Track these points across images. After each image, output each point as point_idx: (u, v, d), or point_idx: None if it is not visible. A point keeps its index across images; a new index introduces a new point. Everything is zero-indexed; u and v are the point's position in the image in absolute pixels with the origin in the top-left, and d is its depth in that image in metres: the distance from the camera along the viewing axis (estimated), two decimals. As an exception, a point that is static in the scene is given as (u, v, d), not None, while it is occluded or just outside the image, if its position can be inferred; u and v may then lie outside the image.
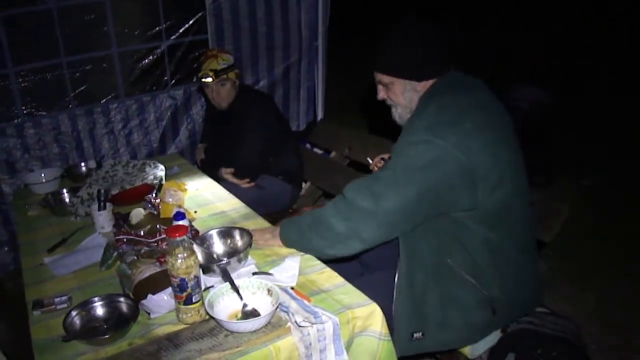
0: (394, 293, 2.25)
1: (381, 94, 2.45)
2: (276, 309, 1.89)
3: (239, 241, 2.42)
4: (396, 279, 2.25)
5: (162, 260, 2.21)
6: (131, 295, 2.08)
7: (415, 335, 2.23)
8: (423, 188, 2.05)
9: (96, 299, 2.07)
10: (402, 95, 2.36)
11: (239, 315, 1.94)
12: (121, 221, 2.64)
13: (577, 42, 9.74)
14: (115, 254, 2.37)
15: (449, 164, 2.05)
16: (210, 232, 2.46)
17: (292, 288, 2.10)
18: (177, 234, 1.86)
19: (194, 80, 4.43)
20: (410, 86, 2.33)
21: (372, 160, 2.97)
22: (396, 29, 2.33)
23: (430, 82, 2.32)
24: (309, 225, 2.28)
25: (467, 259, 2.19)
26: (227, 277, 2.04)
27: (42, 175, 3.50)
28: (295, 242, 2.37)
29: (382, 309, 2.02)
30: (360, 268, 2.66)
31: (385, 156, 2.86)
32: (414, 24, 2.31)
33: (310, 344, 1.85)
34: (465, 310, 2.24)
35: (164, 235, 2.33)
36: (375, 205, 2.07)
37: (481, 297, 2.22)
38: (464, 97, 2.22)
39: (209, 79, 3.62)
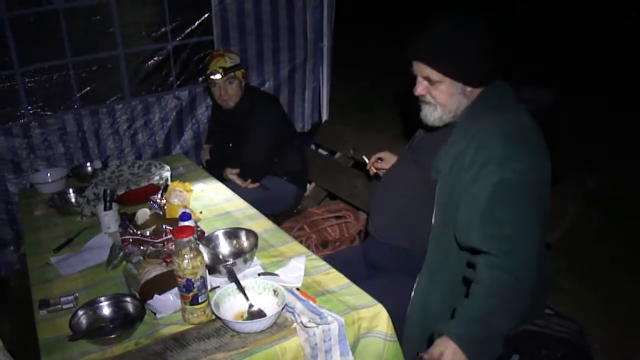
0: (408, 308, 2.24)
1: (421, 89, 2.21)
2: (282, 309, 1.90)
3: (244, 242, 2.43)
4: (412, 295, 2.24)
5: (168, 260, 2.22)
6: (137, 295, 2.09)
7: (420, 354, 2.22)
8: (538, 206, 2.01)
9: (102, 298, 2.08)
10: (449, 97, 2.17)
11: (245, 315, 1.95)
12: (127, 221, 2.65)
13: (574, 41, 9.72)
14: (122, 254, 2.37)
15: (531, 194, 2.00)
16: (216, 233, 2.47)
17: (298, 289, 2.11)
18: (183, 235, 1.87)
19: (200, 81, 4.44)
20: (460, 89, 2.16)
21: (369, 159, 2.88)
22: (451, 18, 2.14)
23: (479, 90, 2.19)
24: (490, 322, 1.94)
25: None
26: (233, 277, 2.05)
27: (48, 175, 3.51)
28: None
29: (388, 312, 2.02)
30: (367, 270, 2.64)
31: (381, 155, 2.81)
32: (477, 18, 2.12)
33: (316, 344, 1.86)
34: None
35: (169, 236, 2.34)
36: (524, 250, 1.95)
37: None
38: (521, 112, 2.14)
39: (218, 76, 3.64)
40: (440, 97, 2.18)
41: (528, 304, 1.96)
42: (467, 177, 2.04)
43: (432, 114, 2.24)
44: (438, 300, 2.20)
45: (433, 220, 2.20)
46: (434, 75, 2.13)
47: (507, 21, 7.50)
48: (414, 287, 2.24)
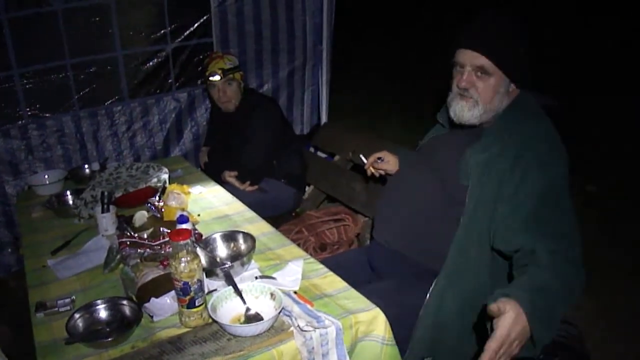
0: (421, 310, 2.22)
1: (468, 80, 2.16)
2: (279, 313, 1.89)
3: (242, 245, 2.42)
4: (427, 297, 2.22)
5: (165, 263, 2.21)
6: (134, 298, 2.09)
7: (425, 359, 2.21)
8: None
9: (99, 301, 2.07)
10: (494, 93, 2.15)
11: (242, 319, 1.94)
12: (125, 224, 2.64)
13: (569, 44, 9.74)
14: (119, 256, 2.36)
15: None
16: (214, 236, 2.46)
17: (295, 292, 2.10)
18: (180, 238, 1.86)
19: (199, 83, 4.43)
20: (506, 87, 2.16)
21: (367, 159, 2.82)
22: (512, 15, 2.14)
23: (516, 93, 2.20)
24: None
25: None
26: (230, 281, 2.04)
27: (46, 177, 3.51)
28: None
29: (387, 317, 2.01)
30: (367, 275, 2.61)
31: (381, 154, 2.75)
32: (525, 21, 2.13)
33: (313, 348, 1.85)
34: (481, 341, 2.23)
35: (167, 239, 2.33)
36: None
37: None
38: (548, 119, 2.15)
39: (217, 77, 3.64)
40: (485, 93, 2.15)
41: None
42: (507, 184, 2.03)
43: (470, 110, 2.20)
44: (453, 302, 2.18)
45: (459, 225, 2.16)
46: (489, 66, 2.11)
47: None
48: (430, 288, 2.21)
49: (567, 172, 2.04)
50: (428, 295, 2.21)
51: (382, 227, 2.52)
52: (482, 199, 2.10)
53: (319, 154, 4.67)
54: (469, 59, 2.14)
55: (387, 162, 2.74)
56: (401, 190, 2.48)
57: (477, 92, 2.16)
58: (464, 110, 2.20)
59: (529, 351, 1.68)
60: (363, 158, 2.85)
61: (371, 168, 2.79)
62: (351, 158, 3.91)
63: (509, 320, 1.60)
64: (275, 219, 3.72)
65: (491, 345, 1.59)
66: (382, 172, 2.77)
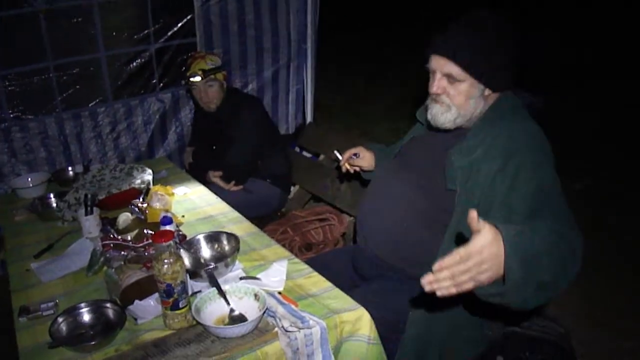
0: (410, 314, 2.21)
1: (438, 86, 2.12)
2: (263, 314, 1.89)
3: (226, 246, 2.42)
4: (411, 312, 2.21)
5: (149, 265, 2.20)
6: (118, 301, 2.07)
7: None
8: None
9: (82, 305, 2.06)
10: (467, 99, 2.10)
11: (226, 320, 1.94)
12: (108, 226, 2.63)
13: (561, 41, 9.77)
14: (102, 259, 2.35)
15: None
16: (198, 237, 2.46)
17: (280, 293, 2.10)
18: (163, 240, 1.85)
19: (183, 83, 4.42)
20: (480, 92, 2.10)
21: (342, 155, 2.76)
22: (482, 18, 2.06)
23: (497, 95, 2.15)
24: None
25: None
26: (214, 282, 2.04)
27: (29, 179, 3.48)
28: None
29: (373, 317, 2.01)
30: (352, 275, 2.60)
31: (356, 150, 2.72)
32: (502, 20, 2.05)
33: (298, 349, 1.85)
34: (465, 346, 2.23)
35: (151, 240, 2.32)
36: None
37: (482, 336, 2.22)
38: (532, 120, 2.11)
39: (198, 78, 3.62)
40: (458, 98, 2.10)
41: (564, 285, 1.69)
42: (499, 188, 1.99)
43: (444, 115, 2.15)
44: (442, 308, 2.16)
45: (447, 232, 2.14)
46: (457, 72, 2.06)
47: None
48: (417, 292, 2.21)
49: (553, 171, 2.00)
50: (416, 296, 2.21)
51: (364, 234, 2.49)
52: (469, 204, 2.04)
53: (304, 153, 4.67)
54: (439, 65, 2.10)
55: (363, 159, 2.71)
56: (383, 196, 2.44)
57: (449, 98, 2.12)
58: (438, 114, 2.16)
59: (497, 287, 1.53)
60: (338, 154, 2.80)
61: (346, 165, 2.75)
62: (335, 158, 3.89)
63: (486, 239, 1.46)
64: (261, 219, 3.73)
65: (460, 251, 1.46)
66: (357, 169, 2.75)
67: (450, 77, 2.08)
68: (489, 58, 2.02)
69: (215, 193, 3.22)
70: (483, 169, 2.03)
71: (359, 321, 1.99)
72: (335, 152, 2.82)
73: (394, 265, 2.36)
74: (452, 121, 2.15)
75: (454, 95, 2.10)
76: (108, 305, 2.07)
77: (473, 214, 1.47)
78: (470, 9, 2.11)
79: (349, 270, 2.61)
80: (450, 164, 2.13)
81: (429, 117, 2.23)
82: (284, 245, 2.76)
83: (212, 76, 3.67)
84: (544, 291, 1.60)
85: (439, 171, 2.17)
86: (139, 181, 3.08)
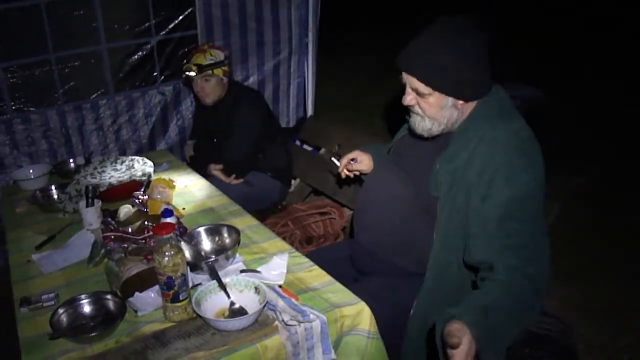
0: (412, 312, 2.22)
1: (409, 100, 2.12)
2: (263, 307, 1.90)
3: (227, 238, 2.43)
4: (411, 312, 2.22)
5: (150, 257, 2.20)
6: (118, 293, 2.08)
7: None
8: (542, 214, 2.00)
9: (83, 296, 2.07)
10: (439, 110, 2.08)
11: (226, 313, 1.95)
12: (109, 218, 2.63)
13: (559, 37, 9.74)
14: (103, 251, 2.36)
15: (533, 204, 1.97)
16: (198, 230, 2.46)
17: (280, 286, 2.11)
18: (164, 232, 1.86)
19: (183, 76, 4.41)
20: (452, 102, 2.06)
21: (339, 160, 2.74)
22: (442, 30, 2.01)
23: (474, 102, 2.11)
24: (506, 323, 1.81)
25: None
26: (214, 275, 2.04)
27: (31, 171, 3.47)
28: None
29: (374, 312, 2.01)
30: (352, 269, 2.59)
31: (353, 155, 2.69)
32: (464, 29, 1.99)
33: (298, 342, 1.86)
34: None
35: (151, 233, 2.32)
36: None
37: None
38: (520, 120, 2.08)
39: (192, 73, 3.62)
40: (430, 110, 2.09)
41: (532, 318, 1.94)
42: (474, 195, 1.99)
43: (420, 125, 2.15)
44: (438, 310, 2.15)
45: (434, 238, 2.14)
46: (423, 88, 2.04)
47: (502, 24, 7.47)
48: (413, 306, 2.21)
49: (539, 176, 1.99)
50: (412, 311, 2.22)
51: (359, 228, 2.49)
52: (454, 211, 2.07)
53: (305, 146, 4.67)
54: (407, 80, 2.09)
55: (361, 162, 2.69)
56: (377, 191, 2.42)
57: (421, 109, 2.11)
58: (416, 124, 2.16)
59: None
60: (335, 161, 2.77)
61: (345, 171, 2.73)
62: (337, 151, 3.90)
63: (464, 351, 1.62)
64: (261, 213, 3.74)
65: None
66: (357, 173, 2.73)
67: (417, 91, 2.07)
68: (449, 73, 1.99)
69: (216, 186, 3.22)
70: (465, 175, 2.02)
71: (359, 315, 2.00)
72: (333, 158, 2.80)
73: (388, 259, 2.36)
74: (428, 130, 2.14)
75: (425, 107, 2.09)
76: (108, 297, 2.08)
77: (452, 338, 1.63)
78: (442, 18, 2.06)
79: (349, 264, 2.60)
80: (435, 170, 2.13)
81: (410, 125, 2.23)
82: (284, 239, 2.77)
83: (209, 72, 3.65)
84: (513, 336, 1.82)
85: (427, 174, 2.17)
86: (140, 173, 3.09)
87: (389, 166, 2.47)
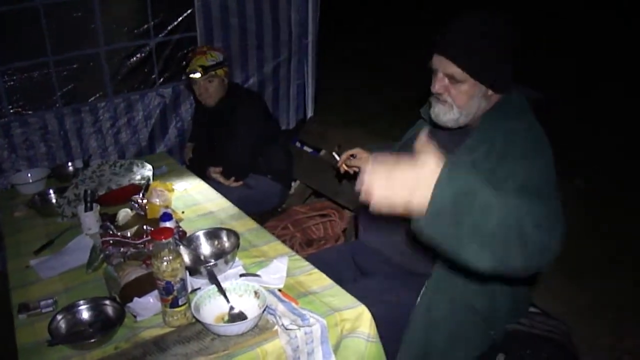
0: (412, 313, 2.20)
1: (440, 87, 2.08)
2: (263, 311, 1.88)
3: (226, 242, 2.41)
4: (418, 299, 2.19)
5: (149, 262, 2.19)
6: (117, 298, 2.07)
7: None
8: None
9: (82, 302, 2.05)
10: (469, 99, 2.06)
11: (226, 318, 1.93)
12: (108, 222, 2.62)
13: (561, 40, 9.75)
14: (102, 256, 2.34)
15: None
16: (198, 234, 2.44)
17: (280, 290, 2.09)
18: (162, 237, 1.84)
19: (183, 78, 4.41)
20: (483, 92, 2.05)
21: (339, 156, 2.77)
22: (483, 18, 2.01)
23: (500, 95, 2.10)
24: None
25: (489, 305, 2.14)
26: (213, 279, 2.02)
27: (29, 175, 3.46)
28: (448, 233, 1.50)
29: (373, 314, 2.00)
30: (353, 272, 2.58)
31: (353, 152, 2.70)
32: (503, 22, 2.00)
33: (298, 347, 1.84)
34: (470, 348, 2.22)
35: (151, 237, 2.31)
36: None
37: (487, 338, 2.21)
38: (535, 121, 2.06)
39: (198, 75, 3.60)
40: (460, 98, 2.06)
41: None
42: (492, 185, 1.96)
43: (446, 114, 2.12)
44: (444, 306, 2.14)
45: None
46: (459, 73, 2.01)
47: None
48: (421, 292, 2.19)
49: (551, 164, 1.97)
50: (419, 298, 2.20)
51: (366, 229, 2.48)
52: None
53: (305, 148, 4.66)
54: (441, 65, 2.05)
55: (360, 159, 2.69)
56: None
57: (451, 97, 2.07)
58: (440, 113, 2.12)
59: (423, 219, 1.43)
60: (336, 155, 2.80)
61: (344, 165, 2.75)
62: (337, 152, 3.88)
63: (424, 161, 1.41)
64: (261, 215, 3.72)
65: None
66: (356, 169, 2.73)
67: (451, 78, 2.04)
68: (489, 60, 1.99)
69: (216, 189, 3.21)
70: (482, 168, 1.99)
71: (359, 319, 1.98)
72: (334, 152, 2.84)
73: (394, 259, 2.35)
74: (454, 120, 2.11)
75: (456, 95, 2.06)
76: (107, 302, 2.06)
77: (423, 135, 1.45)
78: (470, 9, 2.07)
79: (349, 266, 2.60)
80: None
81: (432, 115, 2.19)
82: (284, 242, 2.75)
83: (213, 73, 3.65)
84: (488, 250, 1.50)
85: None
86: (138, 177, 3.08)
87: (382, 150, 2.46)
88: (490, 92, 2.06)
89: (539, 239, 1.59)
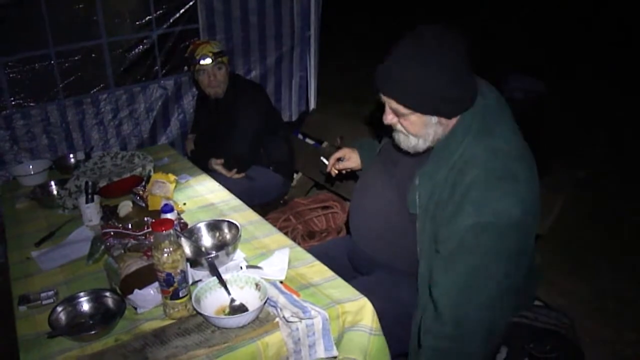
0: (412, 325, 2.17)
1: (390, 119, 2.01)
2: (264, 303, 1.88)
3: (227, 234, 2.40)
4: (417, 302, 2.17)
5: (149, 254, 2.18)
6: (118, 290, 2.06)
7: None
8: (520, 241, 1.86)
9: (82, 294, 2.05)
10: (422, 127, 1.95)
11: (227, 310, 1.92)
12: (109, 214, 2.61)
13: (560, 30, 9.73)
14: (103, 247, 2.34)
15: (515, 234, 1.81)
16: (199, 225, 2.43)
17: (281, 282, 2.08)
18: (162, 228, 1.83)
19: (185, 70, 4.40)
20: (435, 120, 1.93)
21: (328, 161, 2.76)
22: (418, 45, 1.85)
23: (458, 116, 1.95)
24: None
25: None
26: (214, 271, 2.01)
27: (31, 167, 3.45)
28: None
29: (375, 308, 1.99)
30: (352, 271, 2.56)
31: (340, 154, 2.71)
32: (440, 42, 1.82)
33: (299, 339, 1.84)
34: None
35: (151, 229, 2.30)
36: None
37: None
38: (508, 132, 1.93)
39: (209, 60, 3.60)
40: (412, 128, 1.97)
41: None
42: (444, 214, 1.89)
43: (405, 142, 2.04)
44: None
45: (419, 258, 2.09)
46: (402, 109, 1.92)
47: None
48: (414, 317, 2.15)
49: (514, 203, 1.79)
50: (412, 321, 2.16)
51: (354, 230, 2.47)
52: (432, 233, 1.99)
53: (307, 140, 4.65)
54: (385, 99, 1.97)
55: (349, 160, 2.72)
56: (367, 193, 2.39)
57: (404, 128, 1.99)
58: (401, 142, 2.05)
59: None
60: (324, 160, 2.80)
61: (334, 170, 2.76)
62: (339, 145, 3.88)
63: None
64: (263, 207, 3.71)
65: None
66: (348, 170, 2.75)
67: (397, 112, 1.96)
68: (429, 92, 1.86)
69: (217, 180, 3.20)
70: (441, 195, 1.93)
71: (361, 311, 1.98)
72: (322, 158, 2.83)
73: (381, 260, 2.34)
74: (414, 147, 2.03)
75: (408, 126, 1.97)
76: (108, 294, 2.06)
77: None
78: (417, 27, 1.91)
79: (352, 268, 2.60)
80: (414, 185, 2.05)
81: (395, 142, 2.12)
82: (286, 234, 2.75)
83: (221, 59, 3.65)
84: None
85: (407, 189, 2.10)
86: (140, 169, 3.07)
87: (376, 168, 2.43)
88: (445, 119, 1.95)
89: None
